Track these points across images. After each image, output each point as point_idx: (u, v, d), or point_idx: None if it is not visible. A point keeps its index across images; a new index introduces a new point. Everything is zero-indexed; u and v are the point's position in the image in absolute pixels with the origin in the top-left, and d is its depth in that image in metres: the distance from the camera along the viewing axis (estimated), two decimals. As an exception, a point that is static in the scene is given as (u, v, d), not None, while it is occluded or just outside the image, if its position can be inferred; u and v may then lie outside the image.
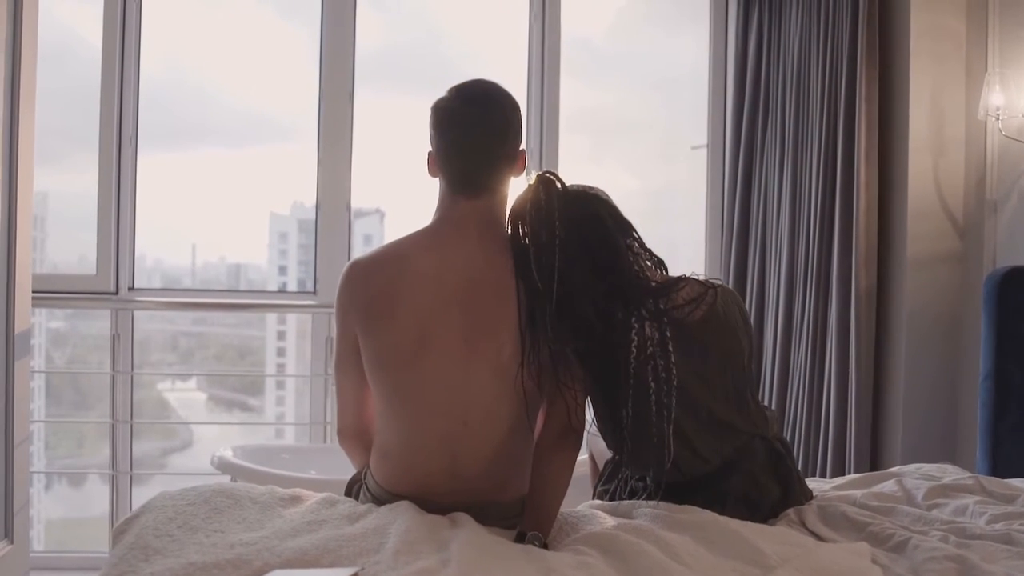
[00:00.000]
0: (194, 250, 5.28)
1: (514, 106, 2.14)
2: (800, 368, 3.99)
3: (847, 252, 3.84)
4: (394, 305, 2.04)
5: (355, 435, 2.26)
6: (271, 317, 6.11)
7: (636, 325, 2.12)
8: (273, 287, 5.91)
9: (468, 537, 1.86)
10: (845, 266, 3.84)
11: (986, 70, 3.57)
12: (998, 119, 3.40)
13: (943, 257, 3.76)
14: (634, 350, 2.11)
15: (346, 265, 2.18)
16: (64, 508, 5.35)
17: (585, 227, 2.14)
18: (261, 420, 5.98)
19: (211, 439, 5.91)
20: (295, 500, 2.10)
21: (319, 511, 2.02)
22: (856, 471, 3.65)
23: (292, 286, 5.99)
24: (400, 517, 1.93)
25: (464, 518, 1.99)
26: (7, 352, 3.19)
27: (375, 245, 4.58)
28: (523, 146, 2.18)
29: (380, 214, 4.82)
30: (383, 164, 4.47)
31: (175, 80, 4.49)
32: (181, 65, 4.54)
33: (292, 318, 5.98)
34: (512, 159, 2.14)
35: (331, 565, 1.76)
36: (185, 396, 6.37)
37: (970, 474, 2.59)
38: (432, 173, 2.17)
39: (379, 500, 2.10)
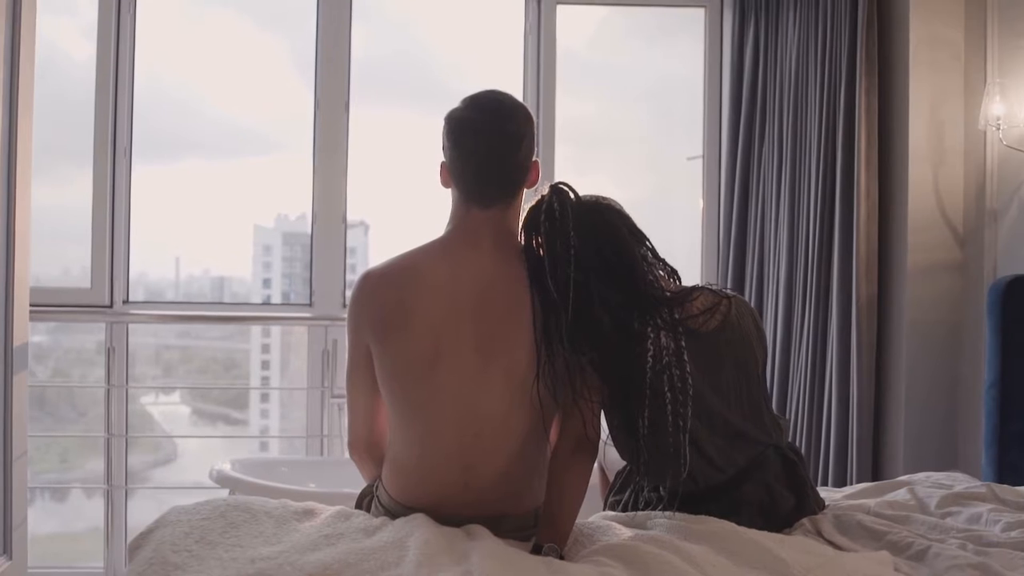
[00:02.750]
0: (178, 263, 5.25)
1: (527, 116, 2.14)
2: (800, 378, 4.00)
3: (847, 262, 3.85)
4: (407, 317, 2.03)
5: (366, 448, 2.24)
6: (255, 330, 6.07)
7: (652, 335, 2.12)
8: (257, 300, 5.87)
9: (488, 549, 1.85)
10: (845, 276, 3.85)
11: (985, 81, 3.59)
12: (998, 129, 3.41)
13: (943, 266, 3.77)
14: (650, 360, 2.11)
15: (359, 276, 2.16)
16: (47, 523, 5.29)
17: (600, 237, 2.14)
18: (258, 435, 5.93)
19: (195, 453, 5.88)
20: (309, 514, 2.08)
21: (335, 524, 2.00)
22: (858, 481, 3.65)
23: (276, 299, 5.97)
24: (417, 530, 1.91)
25: (480, 530, 1.98)
26: (5, 366, 3.16)
27: (360, 257, 4.59)
28: (536, 157, 2.18)
29: (364, 226, 4.80)
30: (367, 176, 4.44)
31: (156, 93, 4.45)
32: (162, 77, 4.52)
33: (276, 331, 5.95)
34: (526, 170, 2.13)
35: (353, 579, 1.75)
36: (169, 410, 6.32)
37: (981, 482, 2.60)
38: (445, 183, 2.16)
39: (392, 513, 2.08)
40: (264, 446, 5.58)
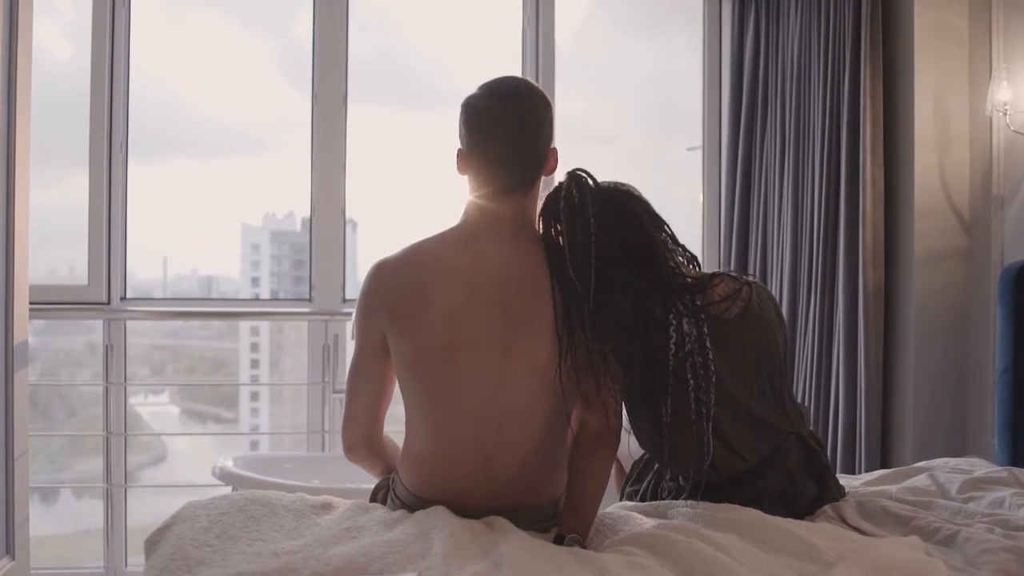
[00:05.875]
0: (165, 263, 5.21)
1: (546, 103, 2.11)
2: (806, 367, 3.98)
3: (853, 250, 3.83)
4: (425, 306, 2.00)
5: (366, 445, 2.19)
6: (244, 329, 6.04)
7: (674, 322, 2.10)
8: (246, 298, 5.85)
9: (515, 540, 1.84)
10: (852, 264, 3.83)
11: (990, 67, 3.58)
12: (1005, 114, 3.41)
13: (950, 254, 3.76)
14: (672, 347, 2.08)
15: (373, 265, 2.12)
16: (37, 525, 5.27)
17: (620, 223, 2.12)
18: (258, 433, 5.89)
19: (185, 453, 5.85)
20: (327, 507, 2.06)
21: (354, 517, 1.98)
22: (867, 469, 3.65)
23: (265, 297, 5.95)
24: (439, 522, 1.90)
25: (502, 522, 1.96)
26: (6, 363, 3.13)
27: (349, 255, 4.56)
28: (554, 144, 2.14)
29: (353, 224, 4.78)
30: (354, 175, 4.39)
31: (141, 92, 4.40)
32: (145, 78, 4.46)
33: (266, 330, 5.92)
34: (544, 157, 2.10)
35: (380, 572, 1.73)
36: (158, 410, 6.29)
37: (1002, 467, 2.59)
38: (461, 171, 2.12)
39: (409, 506, 2.06)
40: (255, 445, 5.55)
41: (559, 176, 2.14)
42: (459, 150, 2.11)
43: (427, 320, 1.99)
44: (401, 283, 2.04)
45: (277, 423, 5.90)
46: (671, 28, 4.83)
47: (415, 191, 4.40)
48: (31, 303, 3.29)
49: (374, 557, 1.76)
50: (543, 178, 2.14)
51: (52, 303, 4.09)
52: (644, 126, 5.06)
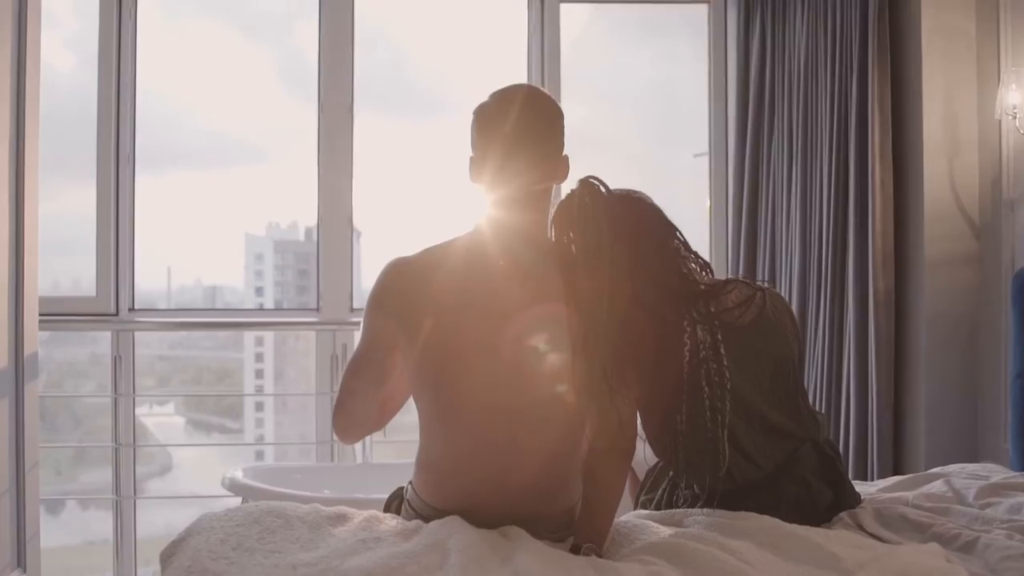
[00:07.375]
0: (169, 273, 5.21)
1: (557, 111, 2.11)
2: (816, 374, 3.97)
3: (863, 256, 3.83)
4: (436, 310, 1.99)
5: (362, 427, 2.19)
6: (249, 339, 6.04)
7: (688, 329, 2.09)
8: (250, 308, 5.84)
9: (532, 550, 1.83)
10: (862, 270, 3.83)
11: (998, 70, 3.56)
12: (1015, 117, 3.39)
13: (960, 258, 3.73)
14: (687, 354, 2.08)
15: (388, 262, 2.10)
16: (43, 536, 5.26)
17: (633, 230, 2.11)
18: (266, 443, 5.88)
19: (191, 463, 5.83)
20: (341, 518, 2.05)
21: (370, 528, 1.97)
22: (879, 476, 3.63)
23: (269, 306, 5.95)
24: (455, 532, 1.88)
25: (517, 531, 1.95)
26: (17, 375, 3.12)
27: (353, 265, 4.55)
28: (566, 152, 2.13)
29: (357, 233, 4.78)
30: (357, 184, 4.39)
31: (144, 104, 4.39)
32: (147, 89, 4.46)
33: (270, 340, 5.92)
34: (555, 164, 2.09)
35: (398, 583, 1.72)
36: (164, 421, 6.28)
37: (1018, 472, 2.57)
38: (474, 178, 2.11)
39: (424, 517, 2.04)
40: (260, 455, 5.54)
41: (571, 184, 2.13)
42: (471, 157, 2.10)
43: (437, 324, 1.98)
44: (414, 284, 2.02)
45: (282, 433, 5.89)
46: (674, 35, 4.82)
47: (417, 201, 4.40)
48: (40, 315, 3.29)
49: (391, 568, 1.75)
50: (555, 186, 2.13)
51: (60, 315, 4.09)
52: (649, 133, 5.05)
